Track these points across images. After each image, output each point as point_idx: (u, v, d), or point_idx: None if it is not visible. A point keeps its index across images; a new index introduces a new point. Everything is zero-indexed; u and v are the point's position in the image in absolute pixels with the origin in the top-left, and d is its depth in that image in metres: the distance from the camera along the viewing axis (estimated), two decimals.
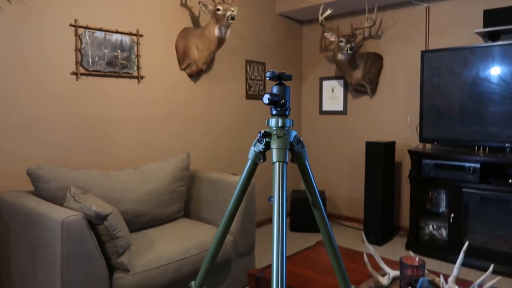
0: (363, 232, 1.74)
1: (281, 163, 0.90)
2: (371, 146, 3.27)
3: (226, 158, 3.37)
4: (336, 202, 4.00)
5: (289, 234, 3.55)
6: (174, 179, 2.41)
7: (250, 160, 1.02)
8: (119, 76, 2.53)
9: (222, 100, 3.28)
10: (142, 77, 2.67)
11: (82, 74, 2.37)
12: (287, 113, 0.98)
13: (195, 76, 3.03)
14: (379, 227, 3.26)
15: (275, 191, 0.88)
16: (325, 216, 1.04)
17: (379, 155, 3.22)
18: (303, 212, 3.54)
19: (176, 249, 2.05)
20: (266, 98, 0.94)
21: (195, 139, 3.11)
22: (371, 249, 1.62)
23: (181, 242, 2.12)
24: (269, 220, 3.74)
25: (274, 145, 0.94)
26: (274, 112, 0.98)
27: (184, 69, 2.94)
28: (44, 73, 2.24)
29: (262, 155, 1.00)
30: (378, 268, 1.70)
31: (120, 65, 2.52)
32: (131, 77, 2.60)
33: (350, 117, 3.84)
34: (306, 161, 1.01)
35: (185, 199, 2.54)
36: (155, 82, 2.76)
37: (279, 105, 0.96)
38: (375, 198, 3.28)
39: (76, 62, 2.33)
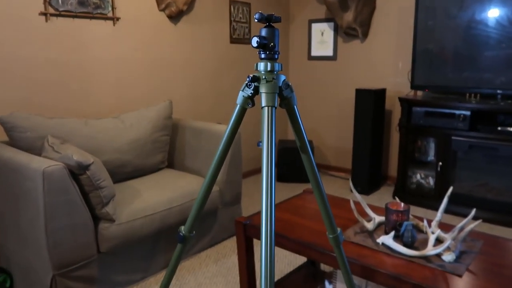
0: (350, 181, 1.83)
1: (270, 108, 0.95)
2: (360, 94, 3.32)
3: (210, 106, 3.39)
4: (324, 151, 4.11)
5: (276, 184, 3.67)
6: (157, 128, 2.44)
7: (238, 105, 1.05)
8: (92, 17, 2.47)
9: (205, 44, 3.25)
10: (117, 19, 2.61)
11: (52, 14, 2.30)
12: (276, 56, 1.01)
13: (175, 17, 2.97)
14: (367, 177, 3.40)
15: (264, 135, 0.93)
16: (313, 161, 1.10)
17: (369, 103, 3.29)
18: (290, 162, 3.64)
19: (161, 199, 2.12)
20: (254, 41, 0.96)
21: (177, 86, 3.10)
22: (358, 196, 1.72)
23: (166, 192, 2.18)
24: (256, 171, 3.84)
25: (263, 89, 0.97)
26: (262, 56, 1.00)
27: (163, 10, 2.87)
28: (9, 12, 2.17)
29: (250, 100, 1.04)
30: (364, 214, 1.81)
31: (93, 4, 2.45)
32: (105, 18, 2.54)
33: (340, 63, 3.85)
34: (295, 106, 1.05)
35: (168, 149, 2.58)
36: (132, 24, 2.70)
37: (268, 48, 0.98)
38: (363, 147, 3.38)
39: (45, 1, 2.26)
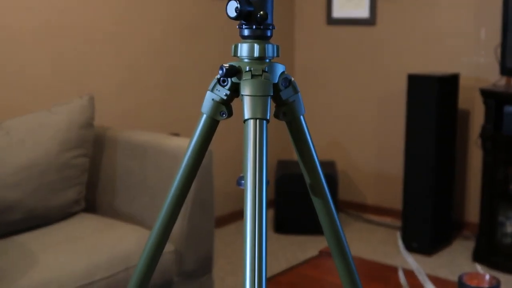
0: (398, 235, 1.86)
1: (258, 122, 0.95)
2: (416, 83, 3.37)
3: (160, 105, 3.40)
4: (355, 181, 4.14)
5: (273, 238, 3.68)
6: (67, 144, 2.45)
7: (205, 116, 1.05)
8: None
9: (147, 2, 3.28)
10: None
11: None
12: (269, 34, 1.02)
13: None
14: (428, 224, 3.44)
15: (248, 168, 0.94)
16: (333, 209, 1.11)
17: (431, 98, 3.34)
18: (296, 200, 3.66)
19: (74, 268, 2.11)
20: (232, 8, 0.98)
21: (103, 72, 3.11)
22: (411, 261, 1.73)
23: (82, 255, 2.18)
24: (238, 214, 3.85)
25: (246, 89, 0.98)
26: (246, 33, 1.01)
27: None
28: None
29: (225, 107, 1.05)
30: None
31: None
32: None
33: (381, 30, 3.91)
34: (301, 117, 1.06)
35: (87, 180, 2.59)
36: None
37: (255, 20, 0.99)
38: (422, 175, 3.42)
39: None
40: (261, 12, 0.99)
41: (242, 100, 0.99)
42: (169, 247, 2.39)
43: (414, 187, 3.46)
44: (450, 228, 3.62)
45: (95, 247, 2.23)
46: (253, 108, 0.97)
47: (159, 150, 2.51)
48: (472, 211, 3.73)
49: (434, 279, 1.92)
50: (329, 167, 3.79)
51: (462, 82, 3.61)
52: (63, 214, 2.47)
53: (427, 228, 3.44)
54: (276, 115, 1.07)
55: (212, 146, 2.40)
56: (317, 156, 1.10)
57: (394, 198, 3.94)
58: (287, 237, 3.70)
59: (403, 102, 3.71)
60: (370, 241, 3.65)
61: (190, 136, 1.10)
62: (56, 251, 2.18)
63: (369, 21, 3.92)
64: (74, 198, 2.49)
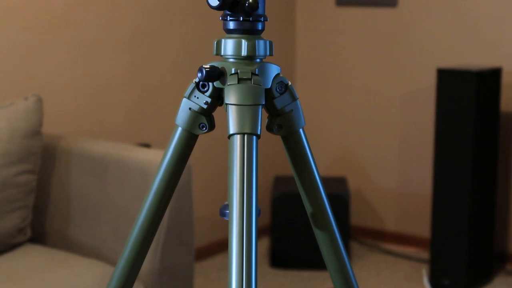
0: (424, 270, 1.87)
1: (246, 138, 0.97)
2: (447, 79, 3.38)
3: (125, 108, 3.40)
4: (371, 202, 4.15)
5: (268, 275, 3.69)
6: (8, 157, 2.45)
7: (180, 129, 1.07)
8: None
9: None
10: None
11: None
12: (260, 27, 1.03)
13: None
14: (463, 256, 3.44)
15: (234, 196, 0.96)
16: (340, 245, 1.12)
17: (466, 98, 3.35)
18: (297, 226, 3.66)
19: None
20: None
21: (52, 66, 3.11)
22: None
23: None
24: (224, 245, 3.85)
25: (231, 97, 0.99)
26: (231, 26, 1.03)
27: None
28: None
29: (206, 118, 1.06)
30: None
31: None
32: None
33: (404, 14, 3.93)
34: (301, 130, 1.08)
35: (34, 201, 2.59)
36: None
37: (242, 10, 1.01)
38: (456, 195, 3.43)
39: None
40: (250, 0, 1.00)
41: (226, 110, 1.00)
42: (137, 287, 2.39)
43: (446, 210, 3.46)
44: (490, 260, 3.62)
45: (45, 287, 2.23)
46: (240, 121, 0.98)
47: (124, 165, 2.52)
48: None
49: None
50: (339, 185, 3.80)
51: (505, 78, 3.62)
52: (3, 246, 2.46)
53: (462, 260, 3.44)
54: (269, 128, 1.08)
55: (191, 161, 2.42)
56: (320, 179, 1.12)
57: (421, 223, 3.95)
58: (286, 273, 3.70)
59: (431, 104, 3.68)
60: (390, 278, 3.66)
61: (163, 147, 1.11)
62: None
63: (389, 1, 3.94)
64: (17, 225, 2.49)
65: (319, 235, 1.14)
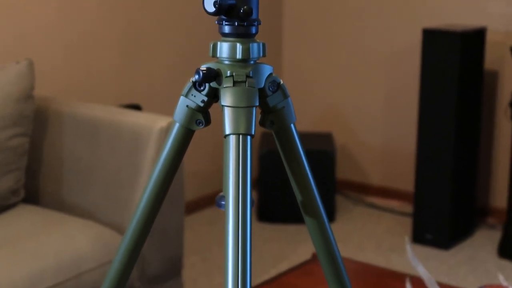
0: (407, 237, 1.94)
1: (241, 138, 1.02)
2: (433, 39, 3.40)
3: (116, 70, 3.41)
4: (356, 156, 4.19)
5: (256, 229, 3.74)
6: (1, 121, 2.47)
7: (177, 125, 1.12)
8: None
9: None
10: None
11: None
12: (254, 30, 1.07)
13: None
14: (446, 211, 3.51)
15: (229, 190, 1.01)
16: (329, 232, 1.17)
17: (450, 58, 3.38)
18: (284, 182, 3.67)
19: (14, 275, 2.14)
20: (210, 0, 1.03)
21: (43, 30, 3.11)
22: (421, 271, 1.81)
23: (24, 260, 2.21)
24: (211, 199, 3.90)
25: (227, 100, 1.04)
26: (226, 30, 1.06)
27: None
28: None
29: (202, 115, 1.11)
30: None
31: None
32: None
33: None
34: (292, 125, 1.13)
35: (26, 163, 2.62)
36: None
37: (237, 15, 1.04)
38: (440, 151, 3.48)
39: None
40: (245, 7, 1.04)
41: (222, 111, 1.05)
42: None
43: (429, 165, 3.53)
44: (472, 215, 3.69)
45: (39, 249, 2.26)
46: (235, 122, 1.03)
47: (115, 128, 2.54)
48: (499, 195, 3.79)
49: None
50: (326, 141, 3.86)
51: (490, 37, 3.62)
52: None
53: (444, 215, 3.51)
54: (262, 123, 1.13)
55: None
56: (310, 170, 1.17)
57: (405, 178, 4.00)
58: (273, 227, 3.78)
59: (417, 63, 3.69)
60: (374, 231, 3.75)
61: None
62: None
63: None
64: (11, 187, 2.52)
65: (308, 221, 1.19)
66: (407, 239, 1.90)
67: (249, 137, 1.03)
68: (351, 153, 4.22)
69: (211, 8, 1.04)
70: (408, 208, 3.88)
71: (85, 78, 3.31)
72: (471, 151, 3.63)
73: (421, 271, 1.83)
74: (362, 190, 4.21)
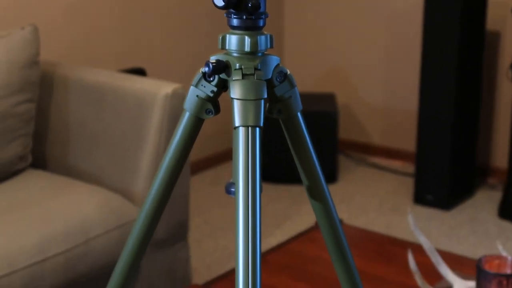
0: (410, 213, 1.97)
1: (250, 130, 1.05)
2: None
3: (119, 32, 3.42)
4: (358, 117, 4.22)
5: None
6: (7, 88, 2.48)
7: (188, 113, 1.15)
8: None
9: None
10: None
11: None
12: (262, 23, 1.10)
13: None
14: (446, 171, 3.54)
15: (239, 179, 1.04)
16: (335, 217, 1.21)
17: (452, 17, 3.38)
18: (286, 144, 3.73)
19: (24, 242, 2.16)
20: None
21: None
22: (423, 241, 1.84)
23: (33, 225, 2.23)
24: (216, 159, 3.94)
25: (236, 92, 1.07)
26: (235, 23, 1.09)
27: None
28: None
29: (212, 104, 1.14)
30: (435, 276, 1.95)
31: None
32: None
33: None
34: (298, 114, 1.17)
35: (33, 129, 2.64)
36: None
37: (245, 9, 1.07)
38: (441, 111, 3.51)
39: None
40: (253, 1, 1.07)
41: (232, 103, 1.08)
42: (131, 215, 2.43)
43: (431, 125, 3.55)
44: (472, 175, 3.73)
45: (48, 214, 2.28)
46: (244, 114, 1.06)
47: (120, 94, 2.56)
48: (500, 155, 3.82)
49: (450, 258, 2.02)
50: (328, 101, 3.88)
51: None
52: (6, 173, 2.52)
53: (445, 175, 3.55)
54: (269, 112, 1.17)
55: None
56: (316, 155, 1.21)
57: (406, 138, 4.03)
58: (276, 187, 3.82)
59: (418, 21, 3.67)
60: (376, 191, 3.79)
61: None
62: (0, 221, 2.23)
63: None
64: (19, 152, 2.55)
65: (314, 204, 1.22)
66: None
67: (258, 129, 1.06)
68: (354, 113, 4.25)
69: (220, 3, 1.06)
70: (411, 168, 3.90)
71: (86, 41, 3.31)
72: (472, 112, 3.64)
73: (423, 241, 1.87)
74: (364, 150, 4.25)
